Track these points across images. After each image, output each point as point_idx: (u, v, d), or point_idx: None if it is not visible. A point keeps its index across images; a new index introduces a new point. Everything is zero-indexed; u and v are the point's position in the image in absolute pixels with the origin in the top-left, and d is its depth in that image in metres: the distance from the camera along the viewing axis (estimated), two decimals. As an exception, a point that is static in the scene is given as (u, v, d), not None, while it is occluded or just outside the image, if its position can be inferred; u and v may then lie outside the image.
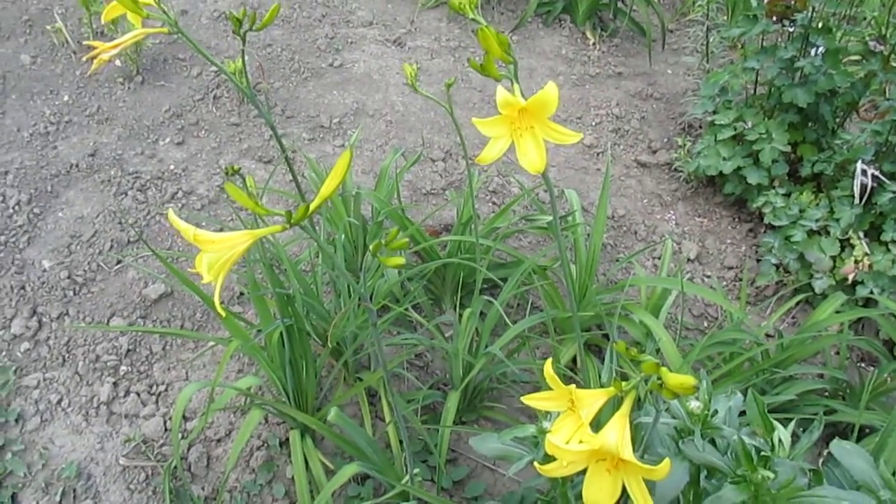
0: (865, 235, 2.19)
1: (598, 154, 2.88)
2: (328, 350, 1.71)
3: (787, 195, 2.41)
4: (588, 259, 2.05)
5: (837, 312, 1.95)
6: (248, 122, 2.73)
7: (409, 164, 2.13)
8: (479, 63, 0.95)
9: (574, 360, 1.93)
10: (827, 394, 1.95)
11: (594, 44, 3.42)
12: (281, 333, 1.62)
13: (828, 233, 2.22)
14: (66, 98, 2.70)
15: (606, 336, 1.96)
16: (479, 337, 1.88)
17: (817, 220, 2.23)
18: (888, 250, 2.12)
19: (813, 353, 1.98)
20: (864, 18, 2.98)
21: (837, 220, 2.19)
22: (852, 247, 2.18)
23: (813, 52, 2.36)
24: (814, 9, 2.28)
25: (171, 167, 2.50)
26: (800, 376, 1.88)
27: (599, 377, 1.89)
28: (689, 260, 2.49)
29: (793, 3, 2.33)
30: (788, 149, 2.41)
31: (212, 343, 1.91)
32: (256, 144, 2.63)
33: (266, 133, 2.67)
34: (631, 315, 1.88)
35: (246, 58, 2.83)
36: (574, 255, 2.11)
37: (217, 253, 0.79)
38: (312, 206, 0.83)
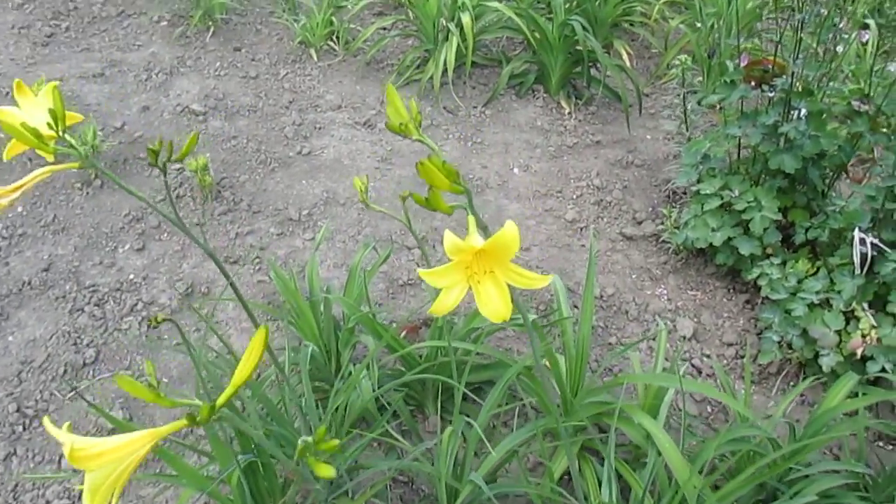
0: (870, 307, 2.06)
1: (581, 229, 2.75)
2: (298, 485, 1.54)
3: (783, 264, 2.29)
4: (578, 352, 1.89)
5: (851, 397, 1.79)
6: (212, 220, 2.60)
7: (381, 261, 1.99)
8: (424, 196, 0.82)
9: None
10: (846, 485, 1.77)
11: (570, 113, 3.34)
12: (243, 470, 1.45)
13: (830, 305, 2.08)
14: (19, 209, 2.57)
15: (602, 439, 1.79)
16: (465, 449, 1.72)
17: (817, 293, 2.10)
18: (896, 322, 1.98)
19: (828, 442, 1.82)
20: (842, 72, 2.91)
21: (839, 291, 2.06)
22: (857, 319, 2.04)
23: (795, 115, 2.27)
24: (793, 73, 2.19)
25: (131, 276, 2.36)
26: (816, 473, 1.71)
27: (599, 484, 1.72)
28: (685, 338, 2.35)
29: (771, 67, 2.24)
30: (779, 216, 2.29)
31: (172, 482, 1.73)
32: (221, 244, 2.50)
33: (231, 232, 2.54)
34: (630, 415, 1.72)
35: (209, 154, 2.73)
36: (563, 346, 1.96)
37: (106, 468, 0.64)
38: (219, 402, 0.69)
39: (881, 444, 2.05)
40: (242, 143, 2.96)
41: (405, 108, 0.86)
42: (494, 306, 0.79)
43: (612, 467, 1.53)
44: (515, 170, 3.03)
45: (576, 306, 2.41)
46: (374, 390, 1.66)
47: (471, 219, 0.83)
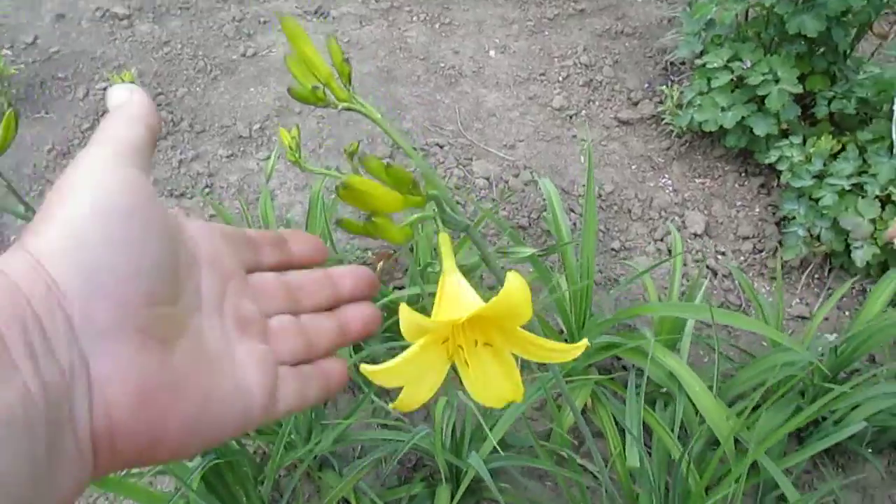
0: (909, 189, 1.80)
1: (570, 117, 2.44)
2: (271, 480, 1.32)
3: (803, 143, 2.01)
4: (583, 275, 1.64)
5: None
6: (151, 146, 2.27)
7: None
8: (360, 223, 0.49)
9: (584, 410, 1.56)
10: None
11: (547, -22, 2.93)
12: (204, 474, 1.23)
13: (863, 191, 1.83)
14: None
15: (615, 378, 1.58)
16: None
17: (848, 177, 1.84)
18: (941, 206, 1.73)
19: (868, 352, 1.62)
20: None
21: (874, 175, 1.79)
22: (894, 204, 1.79)
23: (817, -35, 1.92)
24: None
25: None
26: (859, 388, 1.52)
27: (616, 424, 1.53)
28: (695, 235, 2.10)
29: None
30: (800, 88, 1.99)
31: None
32: (164, 175, 2.18)
33: (174, 159, 2.22)
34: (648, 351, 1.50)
35: (137, 68, 2.35)
36: (563, 266, 1.71)
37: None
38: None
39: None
40: (177, 50, 2.57)
41: (321, 57, 0.52)
42: (496, 389, 0.50)
43: (638, 413, 1.32)
44: (492, 52, 2.67)
45: (572, 210, 2.15)
46: (350, 356, 1.41)
47: (445, 253, 0.51)
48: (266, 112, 2.38)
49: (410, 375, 0.45)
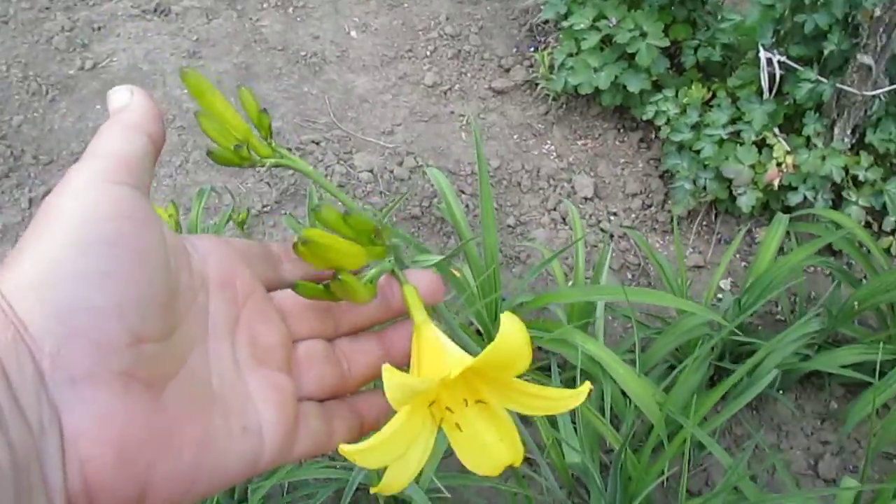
0: (781, 131, 1.86)
1: (445, 93, 2.37)
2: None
3: (676, 95, 2.03)
4: (488, 261, 1.60)
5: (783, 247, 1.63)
6: (-7, 187, 2.03)
7: (225, 218, 1.57)
8: (320, 286, 0.41)
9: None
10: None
11: (397, -53, 2.81)
12: None
13: (740, 138, 1.87)
14: None
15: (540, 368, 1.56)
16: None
17: (724, 126, 1.87)
18: (812, 145, 1.80)
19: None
20: None
21: (749, 122, 1.84)
22: (770, 147, 1.85)
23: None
24: None
25: None
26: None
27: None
28: (586, 199, 2.11)
29: None
30: (667, 42, 2.00)
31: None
32: (13, 220, 1.96)
33: (23, 200, 2.00)
34: (564, 338, 1.48)
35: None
36: (465, 255, 1.66)
37: None
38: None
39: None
40: (2, 72, 2.30)
41: (234, 110, 0.44)
42: (493, 454, 0.44)
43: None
44: (353, 32, 2.55)
45: (462, 191, 2.10)
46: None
47: (414, 305, 0.44)
48: (119, 130, 2.18)
49: (397, 449, 0.38)
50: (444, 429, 0.41)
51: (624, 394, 1.38)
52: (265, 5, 2.61)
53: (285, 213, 1.99)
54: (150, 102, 0.36)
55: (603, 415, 1.33)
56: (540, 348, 1.50)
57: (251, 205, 2.01)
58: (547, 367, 1.48)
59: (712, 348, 1.56)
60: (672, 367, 1.56)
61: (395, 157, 2.16)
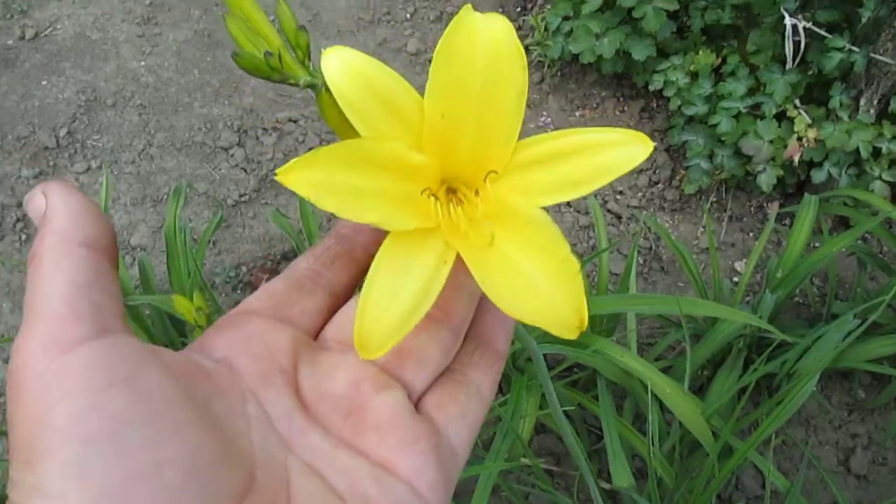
0: (801, 102, 1.74)
1: (429, 60, 2.18)
2: None
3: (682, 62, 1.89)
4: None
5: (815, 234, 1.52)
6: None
7: (213, 224, 1.38)
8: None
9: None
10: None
11: None
12: None
13: (759, 110, 1.74)
14: None
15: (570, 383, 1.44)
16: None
17: (742, 98, 1.74)
18: (837, 118, 1.68)
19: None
20: None
21: (770, 93, 1.71)
22: (790, 120, 1.72)
23: None
24: None
25: None
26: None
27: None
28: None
29: None
30: (676, 5, 1.85)
31: None
32: (-42, 219, 1.74)
33: (-35, 195, 1.77)
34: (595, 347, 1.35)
35: None
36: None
37: None
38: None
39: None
40: (-70, 45, 2.04)
41: (264, 18, 0.35)
42: (542, 297, 0.29)
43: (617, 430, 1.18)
44: (324, -7, 2.33)
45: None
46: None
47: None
48: (70, 110, 1.95)
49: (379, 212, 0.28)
50: (462, 255, 0.29)
51: (662, 406, 1.27)
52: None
53: (265, 203, 1.81)
54: (71, 194, 0.25)
55: (644, 436, 1.22)
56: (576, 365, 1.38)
57: (226, 194, 1.82)
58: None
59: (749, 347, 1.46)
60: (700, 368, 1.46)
61: (381, 134, 1.98)
